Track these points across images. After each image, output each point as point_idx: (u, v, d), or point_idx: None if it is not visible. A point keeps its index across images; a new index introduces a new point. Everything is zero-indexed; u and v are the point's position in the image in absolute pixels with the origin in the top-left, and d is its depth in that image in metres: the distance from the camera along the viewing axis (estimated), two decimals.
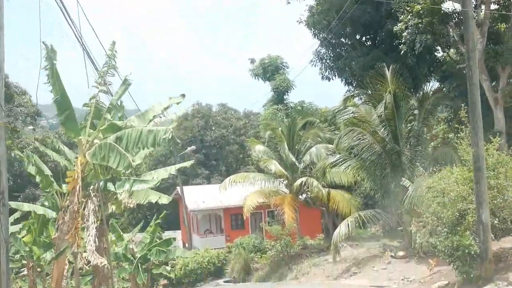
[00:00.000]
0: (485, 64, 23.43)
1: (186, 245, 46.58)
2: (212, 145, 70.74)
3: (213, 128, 72.76)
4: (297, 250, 31.17)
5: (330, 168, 29.26)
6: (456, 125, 17.76)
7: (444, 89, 26.17)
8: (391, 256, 24.48)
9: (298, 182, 31.02)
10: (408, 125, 26.06)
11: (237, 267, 32.88)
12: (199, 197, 43.67)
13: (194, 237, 45.77)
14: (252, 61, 48.24)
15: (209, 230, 46.53)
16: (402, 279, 20.32)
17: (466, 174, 15.98)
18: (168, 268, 25.58)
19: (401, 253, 24.25)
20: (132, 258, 25.68)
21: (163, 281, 40.17)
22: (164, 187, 64.28)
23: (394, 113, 25.08)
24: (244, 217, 32.58)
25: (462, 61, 25.64)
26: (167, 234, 59.37)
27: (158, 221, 28.31)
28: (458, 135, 16.84)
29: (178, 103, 15.91)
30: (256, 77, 46.97)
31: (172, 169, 19.35)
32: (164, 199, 19.23)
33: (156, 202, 18.94)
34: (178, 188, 45.88)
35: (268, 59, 46.86)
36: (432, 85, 29.02)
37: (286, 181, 32.94)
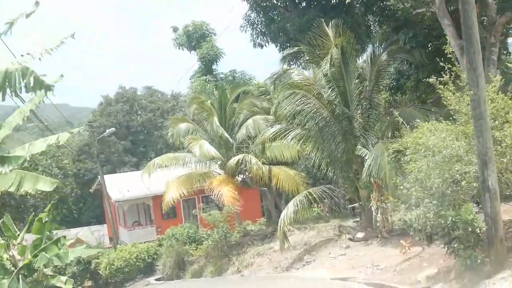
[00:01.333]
0: (447, 8, 19.82)
1: (116, 240, 41.90)
2: (140, 131, 66.11)
3: (139, 112, 67.93)
4: (237, 239, 27.21)
5: (270, 142, 25.33)
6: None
7: (399, 41, 22.52)
8: (349, 239, 20.80)
9: (234, 161, 26.95)
10: (359, 85, 22.36)
11: (170, 262, 28.54)
12: (124, 185, 38.96)
13: (121, 231, 41.10)
14: (175, 29, 43.70)
15: (138, 222, 41.87)
16: (369, 267, 16.54)
17: (458, 128, 12.22)
18: (64, 278, 18.41)
19: (360, 235, 20.65)
20: (12, 268, 17.26)
21: (88, 282, 35.58)
22: (88, 178, 59.59)
23: (342, 71, 21.45)
24: (165, 207, 28.05)
25: (419, 5, 22.05)
26: (95, 229, 54.97)
27: (46, 215, 19.43)
28: (441, 79, 12.96)
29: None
30: (181, 47, 42.57)
31: (53, 139, 14.65)
32: (46, 185, 14.54)
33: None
34: (105, 177, 41.05)
35: (192, 26, 42.40)
36: (383, 37, 25.21)
37: (220, 161, 28.75)
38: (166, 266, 28.67)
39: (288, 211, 20.79)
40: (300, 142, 22.69)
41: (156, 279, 29.50)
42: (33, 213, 69.69)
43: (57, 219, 66.30)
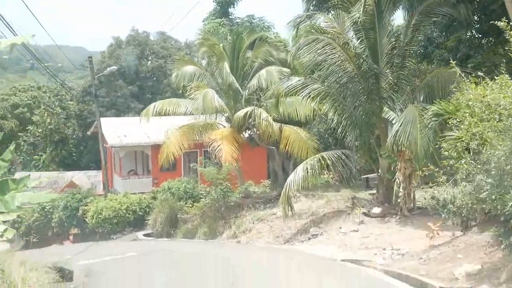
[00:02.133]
0: None
1: (107, 188, 39.50)
2: (148, 77, 63.43)
3: (150, 58, 65.09)
4: (238, 199, 24.67)
5: (284, 97, 22.49)
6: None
7: None
8: (363, 213, 18.12)
9: (242, 113, 24.17)
10: (392, 40, 19.40)
11: (162, 217, 26.03)
12: (123, 130, 36.36)
13: (115, 179, 38.67)
14: None
15: (134, 171, 39.34)
16: (388, 250, 13.87)
17: None
18: (3, 227, 15.57)
19: (376, 210, 17.98)
20: None
21: (74, 230, 33.30)
22: (90, 121, 57.03)
23: (375, 21, 18.57)
24: (164, 161, 25.25)
25: None
26: (92, 174, 52.65)
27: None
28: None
29: None
30: None
31: None
32: None
33: None
34: (102, 120, 38.38)
35: None
36: None
37: (227, 113, 26.00)
38: (157, 221, 26.20)
39: (297, 175, 18.23)
40: (317, 99, 19.83)
41: (145, 235, 27.06)
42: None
43: (56, 160, 64.14)
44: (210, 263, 15.63)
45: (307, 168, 18.31)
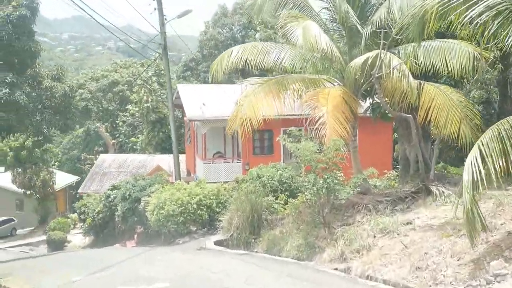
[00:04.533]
0: None
1: (193, 175, 31.92)
2: None
3: (258, 28, 57.49)
4: (350, 197, 15.90)
5: (434, 19, 13.32)
6: None
7: None
8: None
9: (360, 60, 15.34)
10: None
11: (239, 218, 17.75)
12: (208, 100, 28.55)
13: (197, 163, 30.92)
14: None
15: (221, 154, 31.46)
16: None
17: None
18: None
19: None
20: None
21: (140, 229, 25.95)
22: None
23: None
24: (240, 131, 16.63)
25: None
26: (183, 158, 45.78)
27: None
28: None
29: None
30: None
31: None
32: None
33: None
34: (179, 87, 30.86)
35: None
36: None
37: (337, 62, 17.26)
38: (232, 224, 17.92)
39: (478, 165, 9.30)
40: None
41: (216, 242, 18.89)
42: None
43: (152, 143, 58.18)
44: None
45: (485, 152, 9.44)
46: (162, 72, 61.70)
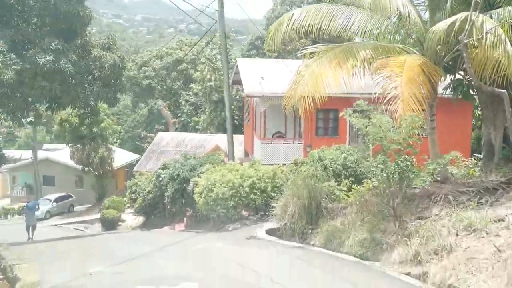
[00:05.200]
0: None
1: (251, 156, 29.85)
2: None
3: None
4: (426, 186, 13.44)
5: None
6: None
7: None
8: None
9: (444, 24, 12.77)
10: None
11: (295, 205, 15.51)
12: (269, 76, 26.33)
13: (255, 143, 28.74)
14: None
15: (281, 134, 29.19)
16: None
17: None
18: None
19: None
20: None
21: (189, 212, 24.08)
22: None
23: None
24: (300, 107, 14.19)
25: None
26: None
27: None
28: None
29: None
30: None
31: None
32: None
33: None
34: (239, 61, 28.70)
35: None
36: None
37: (415, 30, 14.71)
38: (287, 211, 15.69)
39: None
40: None
41: (269, 231, 16.74)
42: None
43: (214, 123, 56.58)
44: None
45: None
46: (228, 50, 60.03)
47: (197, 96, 62.29)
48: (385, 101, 12.63)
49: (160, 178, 25.23)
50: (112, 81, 23.89)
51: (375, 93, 13.17)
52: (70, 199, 53.68)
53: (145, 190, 28.09)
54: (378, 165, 12.44)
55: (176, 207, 24.20)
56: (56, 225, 45.71)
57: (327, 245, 13.70)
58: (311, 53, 15.16)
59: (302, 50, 16.19)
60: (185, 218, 24.55)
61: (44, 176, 58.85)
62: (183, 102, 65.31)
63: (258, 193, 19.45)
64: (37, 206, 29.91)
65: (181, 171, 22.84)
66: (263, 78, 25.84)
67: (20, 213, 40.99)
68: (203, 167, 22.14)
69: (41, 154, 60.10)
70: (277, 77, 25.42)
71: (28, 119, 24.51)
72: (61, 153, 58.78)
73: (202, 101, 61.02)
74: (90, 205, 53.19)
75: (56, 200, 51.66)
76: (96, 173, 52.03)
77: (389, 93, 12.54)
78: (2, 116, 20.93)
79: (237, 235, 17.62)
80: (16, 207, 52.17)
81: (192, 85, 62.85)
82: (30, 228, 28.46)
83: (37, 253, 17.10)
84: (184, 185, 22.43)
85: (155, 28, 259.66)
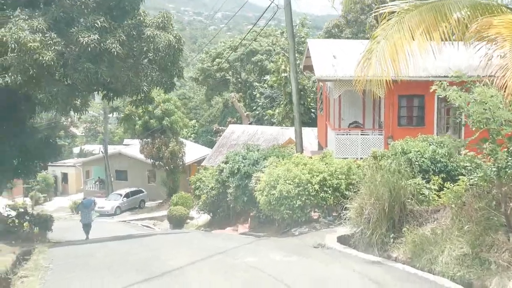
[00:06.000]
0: None
1: (325, 148, 26.80)
2: None
3: None
4: None
5: None
6: None
7: None
8: None
9: None
10: None
11: (373, 207, 12.43)
12: (344, 57, 23.20)
13: (329, 133, 25.61)
14: None
15: (358, 124, 25.93)
16: None
17: None
18: None
19: None
20: None
21: (253, 212, 21.38)
22: None
23: None
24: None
25: None
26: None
27: None
28: None
29: None
30: None
31: None
32: None
33: None
34: (309, 42, 25.68)
35: None
36: None
37: None
38: (363, 214, 12.64)
39: None
40: None
41: (340, 238, 13.75)
42: None
43: (289, 116, 53.66)
44: None
45: None
46: (302, 39, 56.99)
47: (272, 88, 59.79)
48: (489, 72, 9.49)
49: (223, 173, 22.68)
50: (168, 64, 21.38)
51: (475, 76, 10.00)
52: (141, 194, 52.40)
53: (208, 186, 25.64)
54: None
55: (238, 206, 21.55)
56: (125, 221, 44.47)
57: (413, 261, 10.61)
58: (389, 14, 12.02)
59: (376, 9, 13.03)
60: (249, 219, 21.87)
61: (116, 171, 58.09)
62: (257, 95, 62.88)
63: (329, 192, 16.47)
64: (93, 204, 28.02)
65: (242, 165, 20.12)
66: (336, 57, 22.73)
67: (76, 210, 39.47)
68: (266, 161, 19.32)
69: (114, 149, 59.48)
70: (354, 59, 22.26)
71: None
72: (134, 148, 57.78)
73: (277, 94, 58.51)
74: (161, 201, 51.67)
75: (126, 195, 50.52)
76: (167, 167, 50.35)
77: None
78: (46, 102, 18.68)
79: (303, 241, 14.72)
80: None
81: (267, 77, 60.39)
82: (86, 227, 26.65)
83: (76, 256, 15.00)
84: (246, 180, 19.68)
85: (234, 25, 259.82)
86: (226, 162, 22.73)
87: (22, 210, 28.49)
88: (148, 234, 25.66)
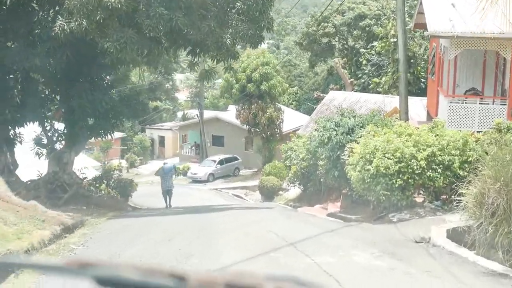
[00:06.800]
0: None
1: (434, 118, 23.19)
2: None
3: None
4: None
5: None
6: None
7: None
8: None
9: None
10: None
11: (499, 195, 9.23)
12: (464, 10, 19.46)
13: (441, 101, 21.91)
14: None
15: (476, 91, 21.93)
16: None
17: None
18: None
19: None
20: None
21: (345, 189, 18.58)
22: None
23: None
24: None
25: None
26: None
27: None
28: None
29: None
30: None
31: None
32: None
33: None
34: None
35: None
36: None
37: None
38: (483, 204, 9.43)
39: None
40: None
41: (451, 232, 10.57)
42: None
43: (397, 85, 49.56)
44: None
45: None
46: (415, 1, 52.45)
47: (379, 56, 55.93)
48: None
49: (312, 143, 19.84)
50: (257, 13, 18.57)
51: None
52: (235, 161, 50.48)
53: (299, 156, 22.90)
54: None
55: (330, 181, 18.63)
56: (216, 189, 42.71)
57: None
58: None
59: None
60: (341, 196, 18.91)
61: (213, 136, 56.61)
62: (364, 62, 59.11)
63: (439, 170, 13.29)
64: (173, 170, 26.15)
65: (334, 133, 17.08)
66: (455, 5, 18.97)
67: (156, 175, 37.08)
68: (363, 129, 16.22)
69: (211, 114, 58.03)
70: (476, 12, 18.49)
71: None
72: (232, 113, 55.98)
73: (385, 61, 54.63)
74: (256, 170, 49.55)
75: (220, 162, 48.78)
76: (263, 135, 48.01)
77: None
78: (113, 51, 16.32)
79: (402, 231, 11.69)
80: (181, 166, 50.13)
81: (375, 43, 56.46)
82: (166, 193, 24.80)
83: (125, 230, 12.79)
84: (338, 152, 16.67)
85: None
86: (317, 130, 19.88)
87: (99, 174, 27.10)
88: (226, 208, 23.21)
